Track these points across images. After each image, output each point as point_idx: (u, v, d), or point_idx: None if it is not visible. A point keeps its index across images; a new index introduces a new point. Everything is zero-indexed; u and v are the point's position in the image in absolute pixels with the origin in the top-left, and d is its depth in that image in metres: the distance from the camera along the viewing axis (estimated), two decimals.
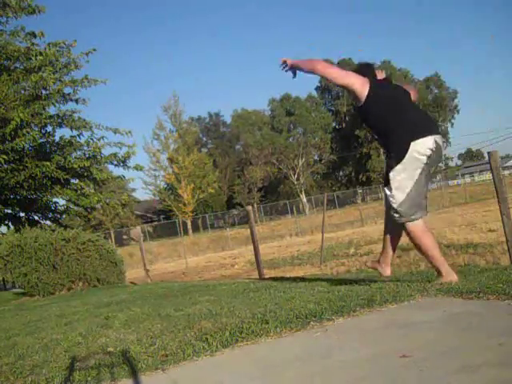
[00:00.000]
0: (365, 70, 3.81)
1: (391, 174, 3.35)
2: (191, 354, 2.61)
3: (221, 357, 2.55)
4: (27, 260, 8.94)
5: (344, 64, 64.90)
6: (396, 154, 3.34)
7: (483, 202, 25.70)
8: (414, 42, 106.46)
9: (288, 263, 13.58)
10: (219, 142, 63.36)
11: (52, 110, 12.71)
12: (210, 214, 50.55)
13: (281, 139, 59.39)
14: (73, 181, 13.41)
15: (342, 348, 2.37)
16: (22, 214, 13.79)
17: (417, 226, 3.35)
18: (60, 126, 12.96)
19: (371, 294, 3.37)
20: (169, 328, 3.36)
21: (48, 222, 14.13)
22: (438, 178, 68.78)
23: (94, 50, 13.26)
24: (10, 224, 13.53)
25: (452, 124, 65.89)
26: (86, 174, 13.27)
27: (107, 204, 15.16)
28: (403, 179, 3.30)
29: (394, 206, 3.33)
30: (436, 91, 64.91)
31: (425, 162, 3.29)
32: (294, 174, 59.45)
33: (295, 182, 59.36)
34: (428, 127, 3.44)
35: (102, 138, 13.33)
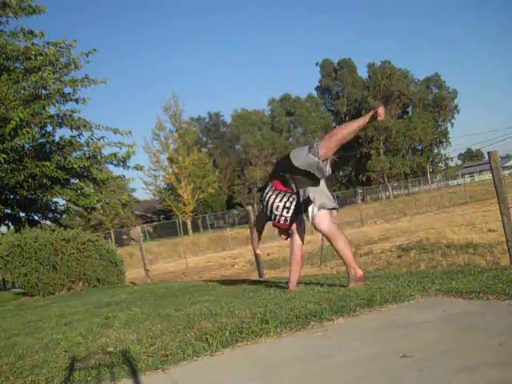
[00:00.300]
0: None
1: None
2: (191, 354, 2.61)
3: (221, 357, 2.55)
4: (27, 260, 8.94)
5: (344, 64, 65.07)
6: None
7: (483, 202, 25.71)
8: (414, 42, 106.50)
9: (288, 263, 13.52)
10: (219, 141, 63.33)
11: (52, 110, 12.70)
12: (209, 214, 50.55)
13: (281, 139, 59.41)
14: (73, 181, 13.40)
15: (342, 348, 2.37)
16: (21, 214, 13.77)
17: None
18: (60, 125, 12.94)
19: (371, 293, 3.37)
20: (169, 328, 3.36)
21: (48, 222, 14.13)
22: (437, 178, 68.88)
23: (94, 50, 13.25)
24: (10, 224, 13.52)
25: (452, 124, 65.92)
26: (85, 173, 13.26)
27: (107, 204, 15.15)
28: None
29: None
30: (436, 91, 64.92)
31: None
32: None
33: None
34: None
35: (102, 138, 13.31)
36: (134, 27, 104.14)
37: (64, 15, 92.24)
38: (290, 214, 4.27)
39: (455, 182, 66.24)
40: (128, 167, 13.75)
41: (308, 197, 4.21)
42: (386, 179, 61.21)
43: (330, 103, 68.67)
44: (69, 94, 13.04)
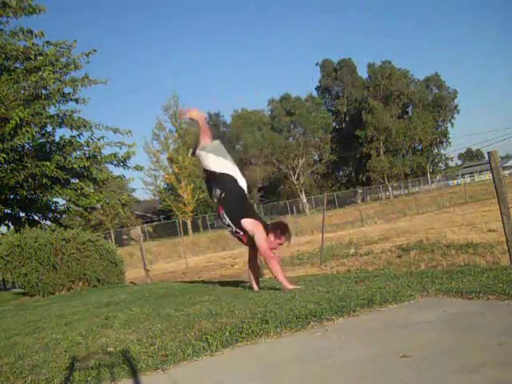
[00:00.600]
0: None
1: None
2: (191, 353, 2.61)
3: (221, 357, 2.55)
4: (27, 260, 8.94)
5: (344, 64, 65.06)
6: None
7: (483, 202, 25.71)
8: (414, 42, 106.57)
9: (288, 263, 13.57)
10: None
11: (52, 110, 12.70)
12: (209, 214, 50.48)
13: (281, 139, 59.38)
14: (73, 181, 13.40)
15: (342, 348, 2.37)
16: (21, 214, 13.77)
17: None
18: (60, 125, 12.95)
19: (371, 294, 3.37)
20: (169, 328, 3.36)
21: (48, 222, 14.13)
22: (437, 178, 68.88)
23: (95, 50, 13.26)
24: (10, 224, 13.52)
25: (452, 124, 65.90)
26: (85, 173, 13.26)
27: (107, 204, 15.15)
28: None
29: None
30: (436, 91, 64.90)
31: None
32: (294, 174, 59.46)
33: (295, 182, 59.37)
34: None
35: (102, 137, 13.32)
36: (134, 27, 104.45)
37: (64, 15, 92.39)
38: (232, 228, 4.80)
39: (455, 182, 66.26)
40: (128, 167, 13.76)
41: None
42: (386, 179, 61.21)
43: (330, 103, 68.64)
44: (69, 93, 13.05)
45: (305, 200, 57.76)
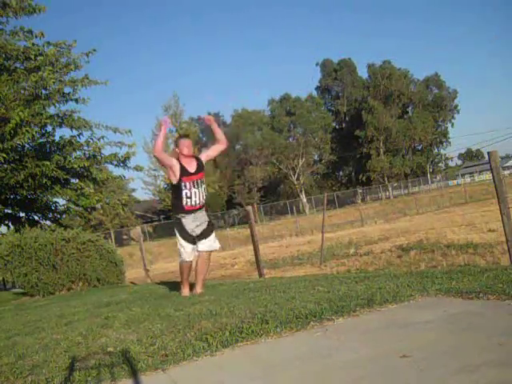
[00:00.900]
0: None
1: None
2: (191, 353, 2.61)
3: (221, 357, 2.55)
4: (27, 260, 8.93)
5: (344, 64, 65.06)
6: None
7: (483, 202, 25.71)
8: (414, 42, 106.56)
9: (288, 263, 13.57)
10: None
11: (52, 110, 12.69)
12: (209, 214, 50.50)
13: (281, 139, 59.38)
14: (73, 181, 13.39)
15: (342, 348, 2.37)
16: (21, 214, 13.76)
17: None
18: (60, 125, 12.94)
19: (371, 294, 3.37)
20: (169, 328, 3.36)
21: (48, 222, 14.12)
22: (437, 178, 68.89)
23: (94, 50, 13.26)
24: (10, 224, 13.51)
25: (452, 124, 65.91)
26: (85, 173, 13.25)
27: (107, 204, 15.14)
28: None
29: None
30: (436, 91, 64.90)
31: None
32: (294, 174, 59.45)
33: (295, 182, 59.36)
34: None
35: (102, 137, 13.32)
36: (134, 27, 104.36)
37: (64, 15, 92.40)
38: None
39: (455, 182, 66.27)
40: (128, 167, 13.76)
41: None
42: (386, 179, 61.22)
43: (330, 103, 68.66)
44: (69, 93, 13.04)
45: (305, 200, 57.77)
